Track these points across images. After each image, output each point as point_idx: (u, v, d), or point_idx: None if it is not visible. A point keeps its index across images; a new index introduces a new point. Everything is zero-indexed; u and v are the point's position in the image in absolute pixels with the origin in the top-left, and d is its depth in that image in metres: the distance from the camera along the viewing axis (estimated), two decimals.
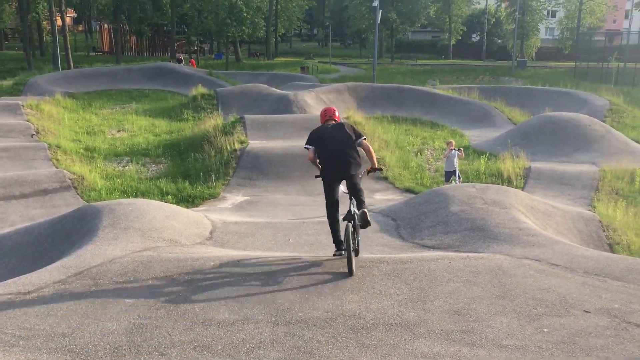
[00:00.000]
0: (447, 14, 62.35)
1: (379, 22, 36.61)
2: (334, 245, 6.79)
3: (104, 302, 5.42)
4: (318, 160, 6.72)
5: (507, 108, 26.04)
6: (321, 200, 7.39)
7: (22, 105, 21.83)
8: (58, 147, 17.64)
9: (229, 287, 5.84)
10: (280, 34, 64.43)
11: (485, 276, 6.17)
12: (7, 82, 31.64)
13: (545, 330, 4.86)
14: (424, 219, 9.51)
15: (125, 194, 14.09)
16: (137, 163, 17.42)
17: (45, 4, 43.94)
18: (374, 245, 8.41)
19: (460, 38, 64.63)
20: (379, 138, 18.79)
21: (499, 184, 14.02)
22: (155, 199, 12.39)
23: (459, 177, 14.26)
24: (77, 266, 6.43)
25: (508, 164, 16.23)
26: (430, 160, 18.50)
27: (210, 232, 8.96)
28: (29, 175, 14.31)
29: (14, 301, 5.46)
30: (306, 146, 6.83)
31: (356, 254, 6.42)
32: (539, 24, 60.91)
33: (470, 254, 7.22)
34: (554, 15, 68.59)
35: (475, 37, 69.68)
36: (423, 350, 4.50)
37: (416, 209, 10.07)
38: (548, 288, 5.84)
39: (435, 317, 5.13)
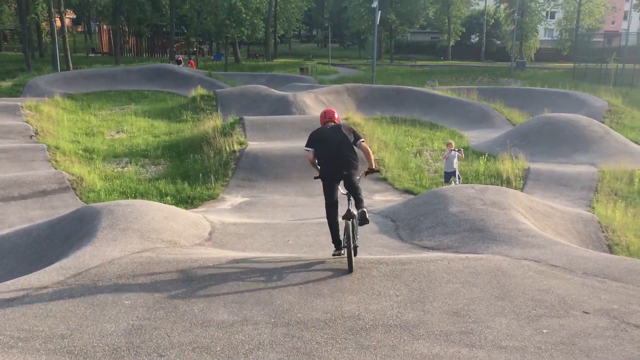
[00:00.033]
0: (446, 15, 62.40)
1: (378, 23, 36.63)
2: (333, 245, 6.86)
3: (103, 304, 5.41)
4: (317, 162, 6.81)
5: (506, 109, 26.05)
6: (320, 201, 7.41)
7: (21, 106, 21.82)
8: (57, 148, 17.62)
9: (228, 288, 5.83)
10: (280, 35, 64.45)
11: (484, 277, 6.17)
12: (7, 83, 31.62)
13: (544, 331, 4.86)
14: (423, 220, 9.51)
15: (124, 195, 14.09)
16: (136, 164, 17.41)
17: (45, 5, 43.93)
18: (373, 246, 8.40)
19: (459, 39, 64.68)
20: (378, 139, 18.79)
21: (498, 184, 14.02)
22: (154, 200, 12.38)
23: (459, 178, 14.26)
24: (75, 267, 6.43)
25: (507, 165, 16.23)
26: (430, 161, 18.50)
27: (209, 233, 8.96)
28: (27, 177, 14.30)
29: (12, 302, 5.45)
30: (306, 148, 6.93)
31: (355, 253, 6.47)
32: (538, 25, 60.94)
33: (469, 255, 7.23)
34: (552, 17, 68.67)
35: (474, 38, 69.73)
36: (422, 352, 4.50)
37: (415, 210, 10.08)
38: (547, 289, 5.84)
39: (435, 318, 5.13)
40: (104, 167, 16.99)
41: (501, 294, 5.70)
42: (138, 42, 59.69)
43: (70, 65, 41.20)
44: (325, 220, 6.89)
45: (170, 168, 17.08)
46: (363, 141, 6.86)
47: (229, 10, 47.09)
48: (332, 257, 6.76)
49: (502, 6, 66.31)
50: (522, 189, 14.51)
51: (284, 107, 23.77)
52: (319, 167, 6.78)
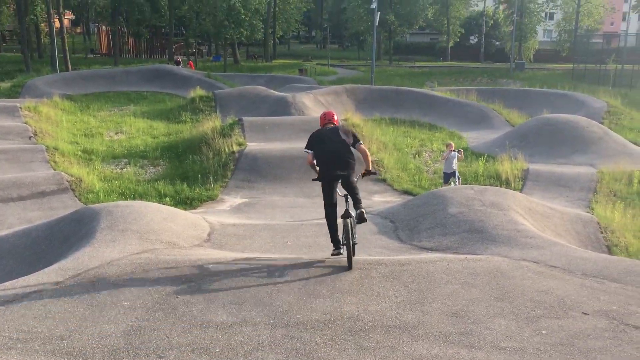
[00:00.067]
0: (445, 16, 62.42)
1: (377, 24, 36.64)
2: (332, 245, 6.94)
3: (102, 305, 5.41)
4: (316, 162, 6.94)
5: (505, 110, 26.07)
6: (319, 202, 7.43)
7: (20, 108, 21.80)
8: (56, 149, 17.60)
9: (227, 289, 5.83)
10: (279, 36, 64.45)
11: (483, 278, 6.17)
12: (5, 84, 31.60)
13: (543, 332, 4.86)
14: (422, 220, 9.52)
15: (123, 196, 14.08)
16: (135, 165, 17.40)
17: (43, 6, 43.90)
18: (372, 247, 8.40)
19: (458, 40, 64.71)
20: (377, 140, 18.79)
21: (497, 185, 14.03)
22: (153, 201, 12.39)
23: (459, 179, 14.26)
24: (74, 268, 6.42)
25: (506, 166, 16.25)
26: (429, 162, 18.51)
27: (208, 234, 8.96)
28: (26, 178, 14.28)
29: (11, 303, 5.44)
30: (306, 150, 7.09)
31: (353, 251, 6.56)
32: (537, 26, 60.92)
33: (468, 256, 7.23)
34: (551, 18, 68.72)
35: (473, 39, 69.76)
36: (421, 353, 4.49)
37: (414, 211, 10.08)
38: (546, 290, 5.84)
39: (434, 319, 5.13)
40: (102, 168, 16.98)
41: (500, 295, 5.70)
42: (137, 43, 59.67)
43: (69, 66, 41.17)
44: (324, 221, 7.01)
45: (169, 169, 17.07)
46: (362, 144, 7.06)
47: (227, 11, 47.08)
48: (331, 256, 6.82)
49: (501, 7, 66.36)
50: (521, 190, 14.52)
51: (283, 108, 23.78)
52: (318, 169, 6.92)
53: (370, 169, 7.07)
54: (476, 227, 8.66)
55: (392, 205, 11.51)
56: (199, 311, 5.28)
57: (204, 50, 66.30)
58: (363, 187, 7.12)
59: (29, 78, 32.65)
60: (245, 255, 7.53)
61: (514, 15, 53.80)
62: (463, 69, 52.49)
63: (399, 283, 5.99)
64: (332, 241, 6.91)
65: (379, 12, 36.30)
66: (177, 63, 41.11)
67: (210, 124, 19.27)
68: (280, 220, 11.42)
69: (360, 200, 6.69)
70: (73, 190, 14.21)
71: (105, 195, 13.95)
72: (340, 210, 6.73)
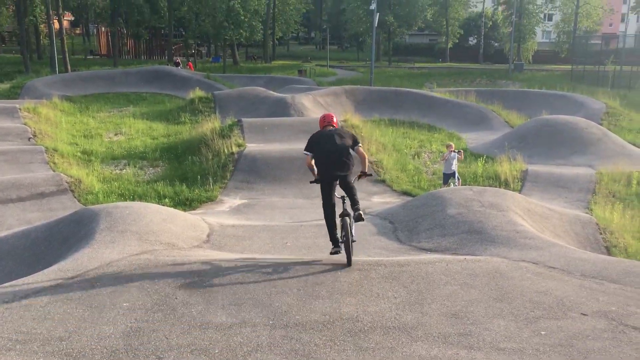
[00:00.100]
0: (444, 17, 62.48)
1: (376, 25, 36.69)
2: (331, 244, 7.01)
3: (101, 306, 5.41)
4: (315, 163, 7.02)
5: (504, 111, 26.10)
6: (318, 203, 7.44)
7: (20, 109, 21.80)
8: (55, 150, 17.59)
9: (226, 290, 5.83)
10: (278, 37, 64.47)
11: (482, 279, 6.18)
12: (5, 86, 31.61)
13: (542, 333, 4.86)
14: (422, 221, 9.52)
15: (122, 197, 14.07)
16: (135, 166, 17.40)
17: (43, 7, 43.90)
18: (371, 248, 8.41)
19: (457, 41, 64.75)
20: (377, 141, 18.80)
21: (496, 186, 14.03)
22: (153, 202, 12.38)
23: (459, 180, 14.27)
24: (74, 269, 6.42)
25: (505, 167, 16.26)
26: (428, 163, 18.52)
27: (208, 235, 8.96)
28: (26, 179, 14.28)
29: (10, 304, 5.44)
30: (305, 152, 7.18)
31: (352, 250, 6.62)
32: (536, 27, 61.00)
33: (467, 257, 7.23)
34: (550, 19, 68.81)
35: (472, 40, 69.82)
36: (421, 354, 4.50)
37: (413, 212, 10.09)
38: (545, 291, 5.85)
39: (433, 320, 5.13)
40: (102, 169, 16.97)
41: (499, 296, 5.70)
42: (136, 44, 59.70)
43: (69, 67, 41.17)
44: (324, 222, 7.08)
45: (168, 170, 17.07)
46: (361, 146, 7.21)
47: (227, 12, 47.12)
48: (330, 255, 6.87)
49: (500, 8, 66.43)
50: (520, 191, 14.52)
51: (282, 109, 23.78)
52: (317, 170, 7.00)
53: (366, 171, 7.17)
54: (475, 228, 8.67)
55: (391, 206, 11.52)
56: (198, 312, 5.28)
57: (203, 51, 66.32)
58: (362, 188, 7.14)
59: (29, 79, 32.66)
60: (244, 256, 7.53)
61: (513, 16, 53.85)
62: (462, 70, 52.53)
63: (398, 284, 5.99)
64: (330, 240, 7.00)
65: (378, 13, 36.34)
66: (177, 64, 41.12)
67: (210, 125, 19.28)
68: (279, 221, 11.42)
69: (358, 201, 6.78)
70: (72, 191, 14.20)
71: (104, 197, 13.95)
72: (338, 211, 6.81)
